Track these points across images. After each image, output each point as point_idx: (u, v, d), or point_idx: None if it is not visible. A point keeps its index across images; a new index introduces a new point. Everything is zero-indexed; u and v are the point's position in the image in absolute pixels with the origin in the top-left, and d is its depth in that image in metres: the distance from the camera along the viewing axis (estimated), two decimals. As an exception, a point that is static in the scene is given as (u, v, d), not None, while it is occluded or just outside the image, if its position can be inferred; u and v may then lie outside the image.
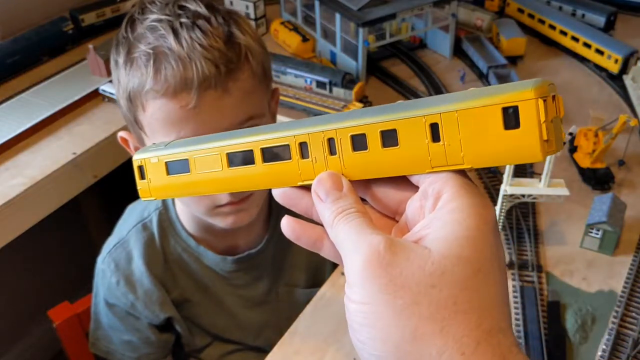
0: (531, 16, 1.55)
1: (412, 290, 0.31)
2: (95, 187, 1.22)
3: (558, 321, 0.85)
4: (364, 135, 0.36)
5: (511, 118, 0.31)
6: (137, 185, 0.46)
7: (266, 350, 0.86)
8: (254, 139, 0.40)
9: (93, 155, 1.18)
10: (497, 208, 0.88)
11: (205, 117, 0.76)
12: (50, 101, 1.26)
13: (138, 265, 0.94)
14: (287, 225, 0.39)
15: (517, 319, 0.85)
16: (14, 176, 1.10)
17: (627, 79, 1.35)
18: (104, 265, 0.96)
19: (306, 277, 1.05)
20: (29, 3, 1.48)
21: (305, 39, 1.48)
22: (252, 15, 1.56)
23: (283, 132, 0.39)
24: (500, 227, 0.90)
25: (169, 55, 0.75)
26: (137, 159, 0.46)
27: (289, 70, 1.33)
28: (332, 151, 0.38)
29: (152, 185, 0.46)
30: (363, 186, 0.39)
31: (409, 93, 1.36)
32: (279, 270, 1.03)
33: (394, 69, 1.46)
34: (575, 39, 1.44)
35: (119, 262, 0.95)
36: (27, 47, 1.38)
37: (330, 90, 1.29)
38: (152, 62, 0.76)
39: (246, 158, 0.41)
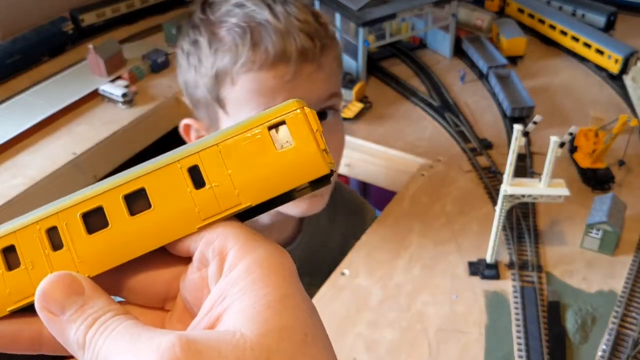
0: (531, 16, 1.55)
1: None
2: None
3: (558, 321, 0.85)
4: (100, 208, 0.28)
5: (281, 135, 0.28)
6: None
7: None
8: None
9: (93, 155, 1.18)
10: (497, 208, 0.88)
11: (298, 89, 0.78)
12: (50, 101, 1.26)
13: None
14: None
15: (517, 319, 0.85)
16: (14, 176, 1.10)
17: (627, 79, 1.35)
18: None
19: (323, 279, 1.04)
20: (29, 3, 1.48)
21: (305, 39, 1.48)
22: (252, 15, 1.56)
23: None
24: (500, 227, 0.90)
25: (267, 28, 0.76)
26: None
27: (289, 70, 1.33)
28: (56, 245, 0.28)
29: None
30: (109, 280, 0.29)
31: (409, 93, 1.35)
32: (303, 270, 1.00)
33: (394, 69, 1.46)
34: (575, 39, 1.44)
35: None
36: (27, 47, 1.38)
37: (330, 90, 1.29)
38: (248, 35, 0.76)
39: None
